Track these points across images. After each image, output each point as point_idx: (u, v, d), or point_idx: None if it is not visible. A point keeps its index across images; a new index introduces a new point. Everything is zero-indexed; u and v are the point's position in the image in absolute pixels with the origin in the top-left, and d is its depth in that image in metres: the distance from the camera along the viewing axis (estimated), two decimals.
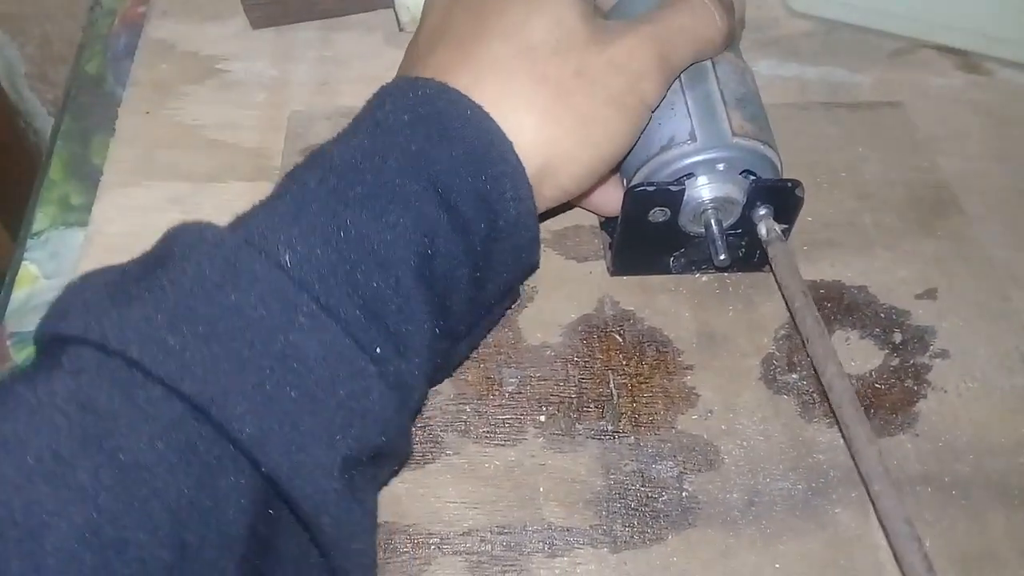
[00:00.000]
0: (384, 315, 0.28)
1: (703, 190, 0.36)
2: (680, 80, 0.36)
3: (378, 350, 0.28)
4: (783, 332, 0.39)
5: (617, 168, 0.38)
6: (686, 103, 0.36)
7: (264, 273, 0.26)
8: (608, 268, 0.40)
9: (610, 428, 0.36)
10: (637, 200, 0.36)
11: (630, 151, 0.36)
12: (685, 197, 0.36)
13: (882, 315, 0.39)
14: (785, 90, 0.48)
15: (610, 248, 0.40)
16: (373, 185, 0.29)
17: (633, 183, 0.36)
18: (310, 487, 0.25)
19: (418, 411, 0.34)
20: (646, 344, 0.38)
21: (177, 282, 0.26)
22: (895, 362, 0.38)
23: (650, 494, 0.34)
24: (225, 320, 0.25)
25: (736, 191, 0.36)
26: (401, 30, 0.49)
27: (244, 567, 0.25)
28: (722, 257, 0.35)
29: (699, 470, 0.35)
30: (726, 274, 0.40)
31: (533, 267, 0.35)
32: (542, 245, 0.40)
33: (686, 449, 0.35)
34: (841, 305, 0.39)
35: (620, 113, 0.33)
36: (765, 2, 0.52)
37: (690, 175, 0.35)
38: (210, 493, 0.24)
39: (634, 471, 0.35)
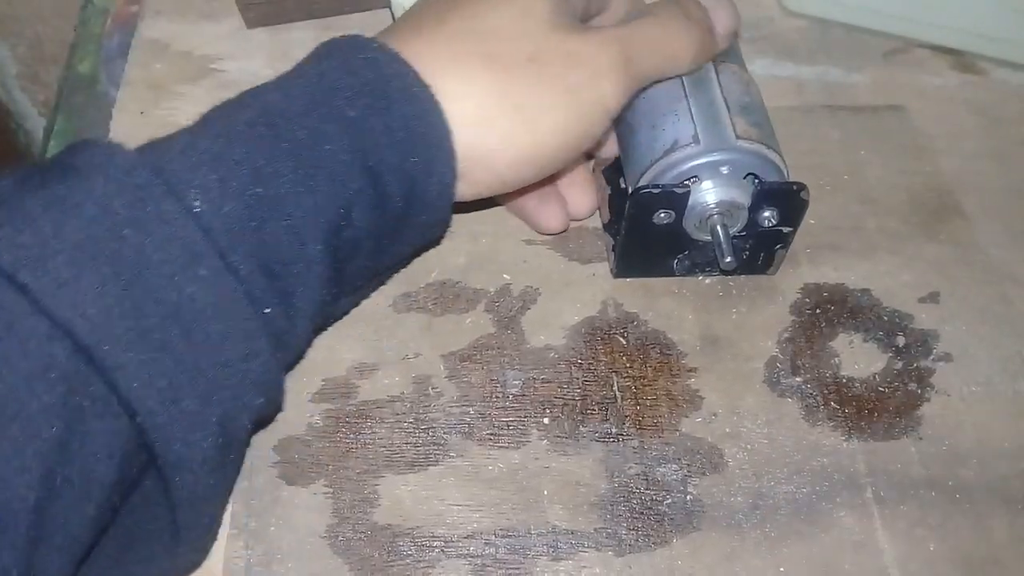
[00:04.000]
0: (282, 276, 0.28)
1: (708, 194, 0.36)
2: (684, 87, 0.36)
3: (267, 310, 0.27)
4: (787, 335, 0.38)
5: (550, 181, 0.38)
6: (690, 108, 0.36)
7: (172, 216, 0.25)
8: (611, 270, 0.40)
9: (614, 431, 0.35)
10: (642, 202, 0.36)
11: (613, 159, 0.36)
12: (690, 201, 0.36)
13: (885, 318, 0.39)
14: (781, 90, 0.48)
15: (613, 250, 0.40)
16: (304, 144, 0.28)
17: (639, 186, 0.36)
18: (180, 444, 0.25)
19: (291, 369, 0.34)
20: (650, 347, 0.38)
21: (80, 206, 0.24)
22: (898, 366, 0.38)
23: (654, 497, 0.34)
24: (125, 260, 0.24)
25: (741, 195, 0.36)
26: None
27: (105, 510, 0.25)
28: (728, 260, 0.35)
29: (703, 473, 0.35)
30: (729, 277, 0.40)
31: (436, 243, 0.37)
32: (545, 246, 0.41)
33: (690, 452, 0.35)
34: (844, 308, 0.39)
35: (571, 106, 0.32)
36: (760, 1, 0.52)
37: (694, 178, 0.35)
38: (81, 437, 0.24)
39: (638, 474, 0.34)
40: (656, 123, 0.36)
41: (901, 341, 0.38)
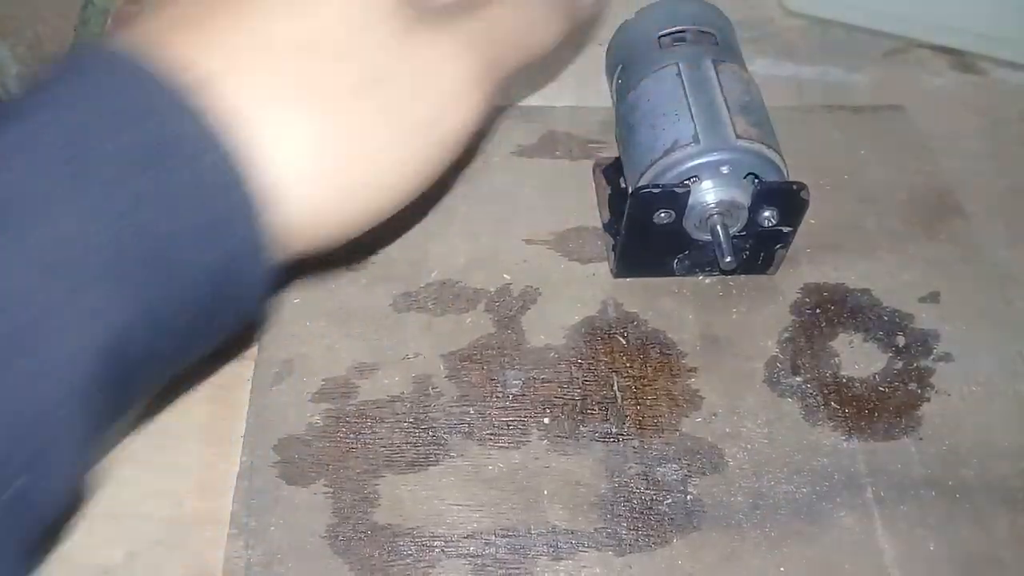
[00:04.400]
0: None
1: (708, 194, 0.36)
2: (684, 87, 0.36)
3: None
4: (787, 335, 0.38)
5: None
6: (690, 108, 0.36)
7: None
8: (611, 270, 0.40)
9: (614, 431, 0.35)
10: (642, 202, 0.36)
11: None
12: (690, 201, 0.36)
13: (885, 318, 0.39)
14: (781, 90, 0.48)
15: (613, 250, 0.40)
16: (62, 240, 0.20)
17: (639, 185, 0.36)
18: None
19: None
20: (650, 346, 0.38)
21: None
22: (898, 365, 0.38)
23: (655, 497, 0.34)
24: None
25: (741, 195, 0.36)
26: None
27: None
28: (728, 260, 0.35)
29: (703, 473, 0.35)
30: (729, 277, 0.40)
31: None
32: (545, 246, 0.41)
33: (690, 452, 0.35)
34: (844, 308, 0.39)
35: (422, 146, 0.26)
36: (760, 1, 0.52)
37: (694, 178, 0.35)
38: None
39: (638, 474, 0.34)
40: (656, 123, 0.36)
41: (901, 341, 0.38)
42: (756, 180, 0.36)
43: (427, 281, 0.39)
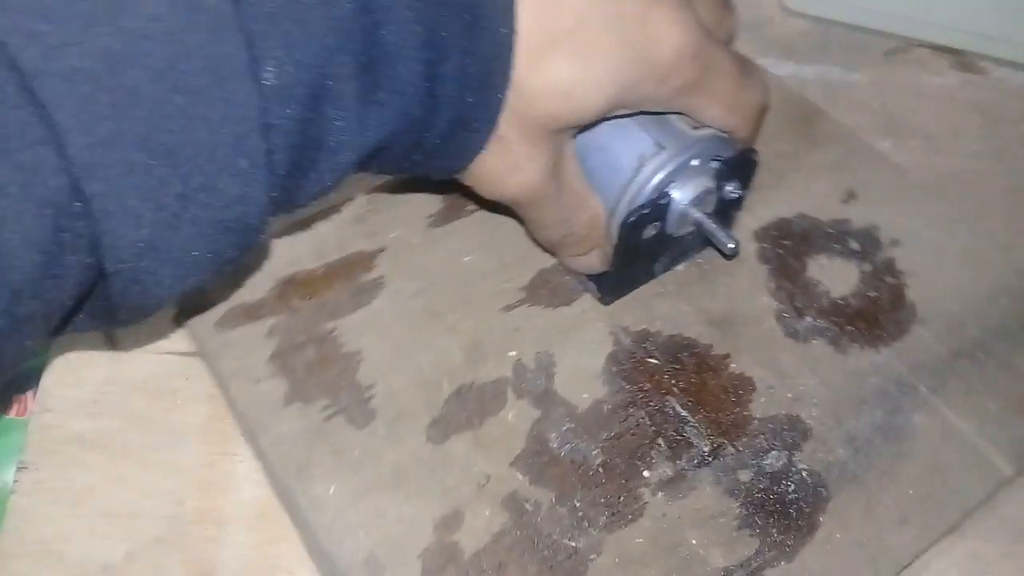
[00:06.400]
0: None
1: (684, 192, 0.35)
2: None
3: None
4: (772, 284, 0.40)
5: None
6: (637, 125, 0.35)
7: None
8: (599, 300, 0.38)
9: (706, 449, 0.35)
10: (635, 228, 0.34)
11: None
12: (671, 206, 0.35)
13: (830, 231, 0.42)
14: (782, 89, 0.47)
15: (591, 280, 0.38)
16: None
17: (626, 215, 0.35)
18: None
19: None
20: (679, 353, 0.37)
21: None
22: (867, 267, 0.41)
23: (779, 489, 0.34)
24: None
25: (708, 180, 0.36)
26: None
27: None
28: (732, 245, 0.36)
29: (799, 447, 0.35)
30: (697, 257, 0.40)
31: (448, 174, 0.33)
32: (524, 305, 0.38)
33: (776, 433, 0.36)
34: (796, 238, 0.41)
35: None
36: (760, 1, 0.51)
37: (671, 183, 0.35)
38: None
39: (753, 477, 0.34)
40: (608, 145, 0.35)
41: (855, 245, 0.42)
42: (718, 160, 0.36)
43: (442, 399, 0.35)
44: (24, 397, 0.37)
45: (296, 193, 0.28)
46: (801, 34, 0.51)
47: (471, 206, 0.42)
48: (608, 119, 0.34)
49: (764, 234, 0.42)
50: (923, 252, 0.41)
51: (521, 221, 0.37)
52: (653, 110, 0.33)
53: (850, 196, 0.43)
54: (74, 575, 0.33)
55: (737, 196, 0.37)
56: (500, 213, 0.41)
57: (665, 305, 0.39)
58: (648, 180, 0.34)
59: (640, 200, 0.35)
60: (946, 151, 0.47)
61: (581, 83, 0.30)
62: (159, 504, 0.34)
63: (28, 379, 0.39)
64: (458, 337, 0.37)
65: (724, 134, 0.35)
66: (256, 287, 0.38)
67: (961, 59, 0.50)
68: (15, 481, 0.35)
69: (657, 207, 0.35)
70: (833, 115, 0.46)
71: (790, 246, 0.41)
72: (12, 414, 0.36)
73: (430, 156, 0.31)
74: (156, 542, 0.33)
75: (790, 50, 0.50)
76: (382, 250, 0.40)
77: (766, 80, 0.36)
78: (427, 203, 0.42)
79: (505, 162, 0.31)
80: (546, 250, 0.39)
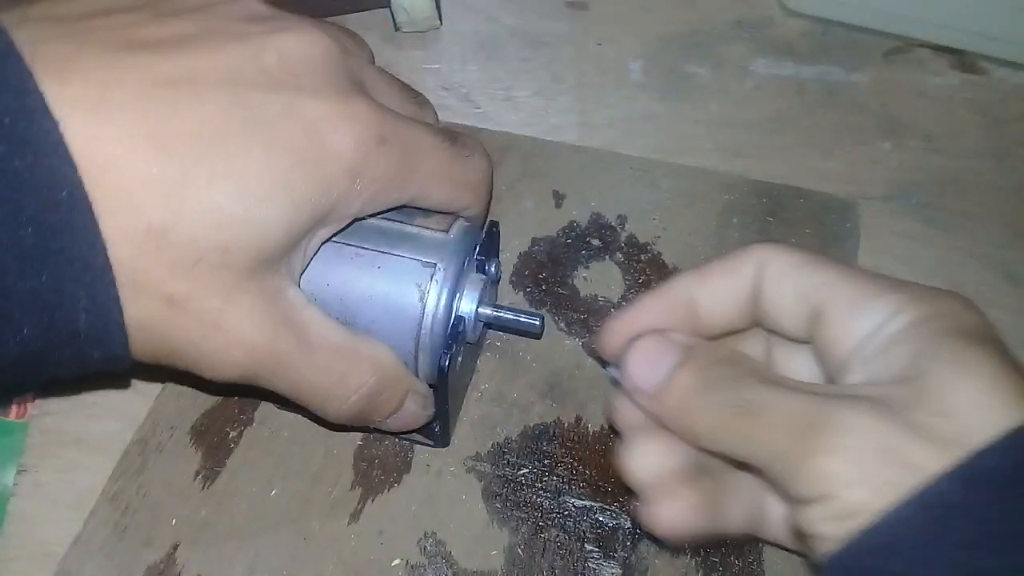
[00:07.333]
0: None
1: (469, 298, 0.32)
2: (354, 247, 0.31)
3: None
4: (563, 324, 0.39)
5: None
6: (389, 254, 0.31)
7: None
8: (434, 446, 0.35)
9: (627, 524, 0.33)
10: (449, 367, 0.31)
11: None
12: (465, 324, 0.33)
13: (568, 240, 0.42)
14: (782, 89, 0.48)
15: (421, 432, 0.35)
16: None
17: (438, 357, 0.31)
18: None
19: None
20: (539, 446, 0.36)
21: None
22: (620, 257, 0.41)
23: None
24: None
25: (477, 273, 0.33)
26: (397, 29, 0.49)
27: None
28: (538, 324, 0.34)
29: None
30: (497, 335, 0.39)
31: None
32: (367, 500, 0.34)
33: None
34: (547, 266, 0.41)
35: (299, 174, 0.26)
36: (760, 1, 0.51)
37: (456, 296, 0.32)
38: None
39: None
40: (371, 291, 0.31)
41: (596, 241, 0.42)
42: (476, 251, 0.33)
43: None
44: (24, 400, 0.37)
45: None
46: (801, 34, 0.51)
47: (232, 435, 0.36)
48: (351, 260, 0.31)
49: (520, 279, 0.40)
50: (644, 210, 0.42)
51: (304, 411, 0.31)
52: (374, 212, 0.29)
53: (559, 197, 0.43)
54: None
55: (497, 272, 0.35)
56: (289, 411, 0.36)
57: (492, 408, 0.37)
58: (438, 307, 0.31)
59: (441, 332, 0.31)
60: (946, 151, 0.47)
61: (240, 203, 0.25)
62: None
63: None
64: None
65: (467, 221, 0.33)
66: None
67: (961, 59, 0.50)
68: (15, 484, 0.35)
69: (456, 331, 0.32)
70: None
71: (548, 276, 0.40)
72: (12, 416, 0.36)
73: (77, 350, 0.25)
74: None
75: (790, 50, 0.50)
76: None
77: (481, 143, 0.33)
78: (186, 462, 0.35)
79: (198, 326, 0.26)
80: (352, 428, 0.34)
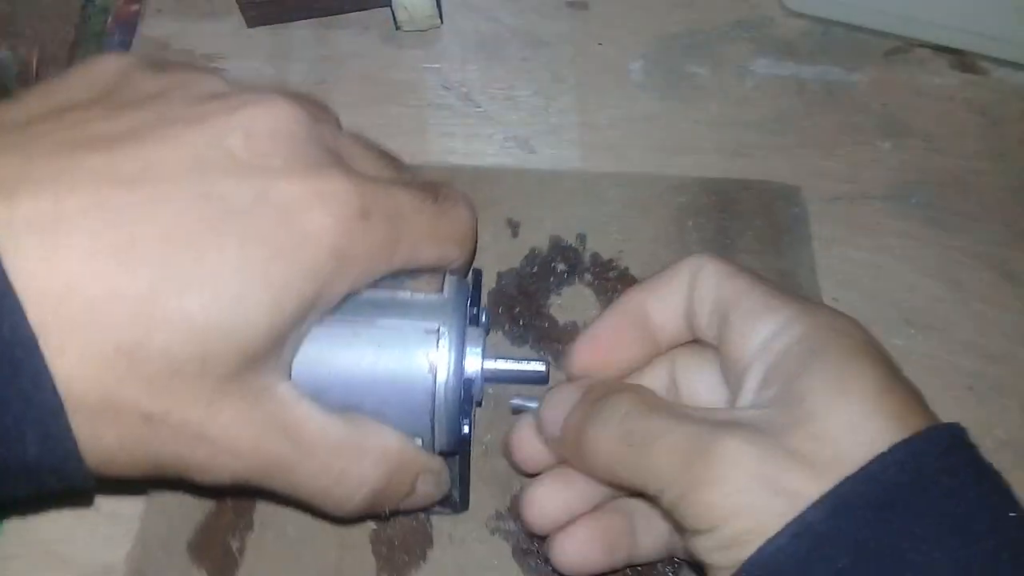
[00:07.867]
0: None
1: (473, 356, 0.32)
2: (353, 325, 0.29)
3: None
4: (549, 357, 0.38)
5: None
6: (387, 328, 0.29)
7: None
8: (454, 513, 0.34)
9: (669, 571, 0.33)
10: (470, 435, 0.31)
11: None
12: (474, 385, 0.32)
13: (534, 270, 0.41)
14: (782, 89, 0.47)
15: (445, 503, 0.34)
16: None
17: (457, 428, 0.31)
18: None
19: None
20: None
21: None
22: (588, 277, 0.41)
23: None
24: None
25: (474, 327, 0.33)
26: (398, 28, 0.49)
27: None
28: (543, 368, 0.33)
29: None
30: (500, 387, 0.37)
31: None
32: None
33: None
34: (519, 299, 0.40)
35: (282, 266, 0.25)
36: (761, 1, 0.51)
37: (462, 360, 0.31)
38: None
39: None
40: (375, 374, 0.29)
41: (562, 266, 0.41)
42: (471, 304, 0.33)
43: None
44: None
45: None
46: (801, 34, 0.51)
47: (236, 547, 0.34)
48: (349, 340, 0.29)
49: (496, 319, 0.40)
50: (601, 225, 0.42)
51: (310, 510, 0.30)
52: (363, 287, 0.28)
53: (514, 226, 0.42)
54: None
55: (487, 320, 0.34)
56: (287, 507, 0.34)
57: (500, 460, 0.35)
58: (449, 374, 0.30)
59: (455, 399, 0.30)
60: (946, 151, 0.47)
61: (216, 308, 0.23)
62: None
63: None
64: None
65: (454, 274, 0.32)
66: None
67: (961, 59, 0.50)
68: None
69: (468, 394, 0.31)
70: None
71: (523, 311, 0.40)
72: None
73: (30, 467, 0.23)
74: None
75: (790, 50, 0.50)
76: None
77: (462, 193, 0.31)
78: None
79: (181, 439, 0.25)
80: (369, 518, 0.33)
